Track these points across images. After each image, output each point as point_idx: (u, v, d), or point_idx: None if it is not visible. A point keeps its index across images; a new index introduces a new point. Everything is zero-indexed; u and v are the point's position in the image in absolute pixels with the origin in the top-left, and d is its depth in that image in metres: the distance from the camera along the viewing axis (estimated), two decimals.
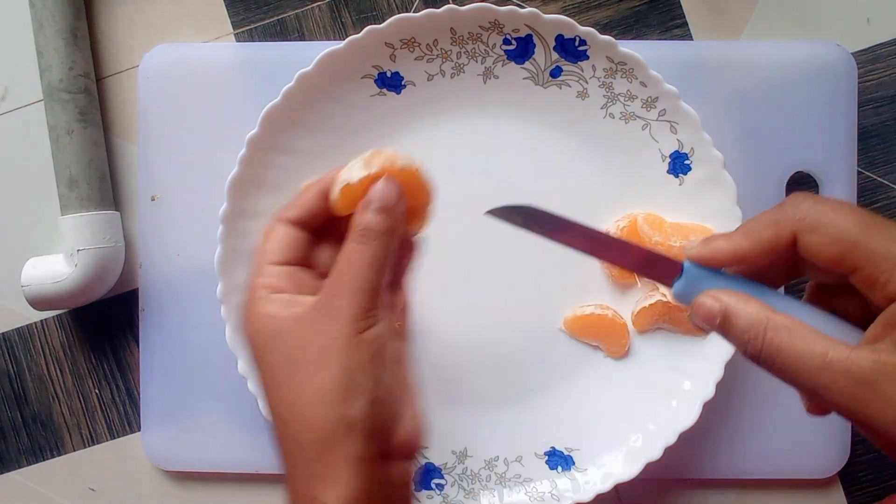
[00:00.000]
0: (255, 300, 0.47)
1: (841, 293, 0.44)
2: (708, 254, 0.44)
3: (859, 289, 0.41)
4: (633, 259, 0.47)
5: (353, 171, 0.47)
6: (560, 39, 0.61)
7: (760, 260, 0.43)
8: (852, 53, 0.66)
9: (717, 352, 0.62)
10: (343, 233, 0.47)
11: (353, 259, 0.45)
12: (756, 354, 0.41)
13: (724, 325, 0.42)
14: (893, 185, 0.67)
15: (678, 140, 0.62)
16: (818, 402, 0.41)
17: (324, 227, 0.50)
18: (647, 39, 0.68)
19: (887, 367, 0.37)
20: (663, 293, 0.62)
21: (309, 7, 0.69)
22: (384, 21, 0.61)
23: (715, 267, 0.45)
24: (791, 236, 0.42)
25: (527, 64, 0.63)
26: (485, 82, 0.64)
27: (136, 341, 0.69)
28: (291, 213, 0.49)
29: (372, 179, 0.46)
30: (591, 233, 0.47)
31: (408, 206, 0.48)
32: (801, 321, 0.40)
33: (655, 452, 0.62)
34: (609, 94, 0.63)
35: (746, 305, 0.41)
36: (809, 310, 0.43)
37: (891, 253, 0.39)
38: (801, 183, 0.66)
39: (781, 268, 0.45)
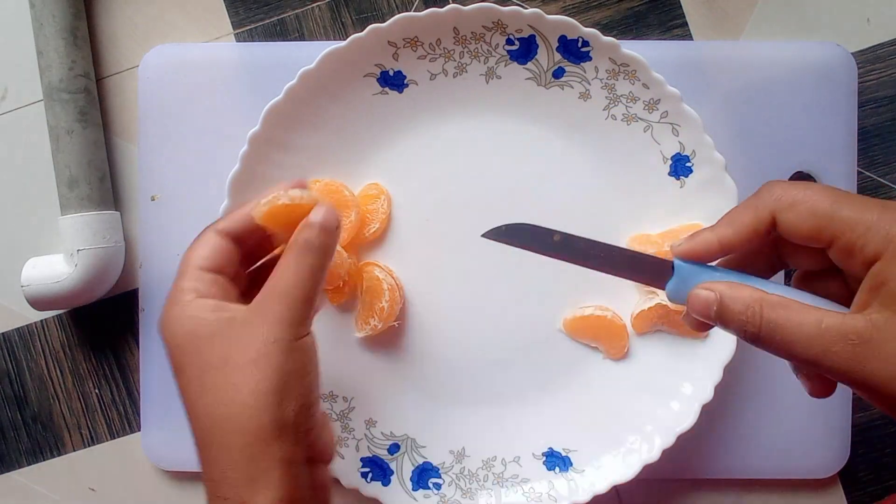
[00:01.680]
0: (180, 302, 0.47)
1: (824, 279, 0.46)
2: (695, 247, 0.46)
3: (839, 264, 0.43)
4: (621, 265, 0.48)
5: (286, 193, 0.49)
6: (563, 40, 0.61)
7: (745, 245, 0.45)
8: (852, 53, 0.66)
9: (715, 354, 0.62)
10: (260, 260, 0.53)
11: (292, 268, 0.47)
12: (755, 333, 0.42)
13: (720, 313, 0.43)
14: (893, 185, 0.68)
15: (679, 142, 0.62)
16: (817, 372, 0.43)
17: (249, 249, 0.52)
18: (647, 39, 0.68)
19: (880, 324, 0.39)
20: (662, 298, 0.63)
21: (309, 7, 0.69)
22: (384, 21, 0.61)
23: (704, 261, 0.46)
24: (770, 217, 0.44)
25: (529, 64, 0.63)
26: (487, 82, 0.64)
27: (136, 341, 0.69)
28: (223, 224, 0.50)
29: (300, 206, 0.49)
30: (580, 244, 0.49)
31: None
32: (793, 298, 0.42)
33: (653, 454, 0.62)
34: (611, 95, 0.62)
35: (740, 290, 0.43)
36: (797, 292, 0.44)
37: (863, 218, 0.41)
38: None
39: (765, 258, 0.48)
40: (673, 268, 0.46)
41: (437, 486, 0.65)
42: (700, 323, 0.46)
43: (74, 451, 0.71)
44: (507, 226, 0.50)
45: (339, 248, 0.62)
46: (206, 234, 0.50)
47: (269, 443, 0.44)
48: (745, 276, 0.45)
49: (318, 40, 0.69)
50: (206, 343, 0.46)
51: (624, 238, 0.65)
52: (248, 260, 0.53)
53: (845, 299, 0.44)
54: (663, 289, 0.47)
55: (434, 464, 0.65)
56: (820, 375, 0.45)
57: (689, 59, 0.66)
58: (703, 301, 0.44)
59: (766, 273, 0.48)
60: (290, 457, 0.44)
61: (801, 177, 0.66)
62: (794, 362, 0.44)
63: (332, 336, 0.66)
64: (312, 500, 0.47)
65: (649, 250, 0.62)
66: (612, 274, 0.48)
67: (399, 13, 0.61)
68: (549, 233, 0.49)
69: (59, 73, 0.65)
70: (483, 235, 0.51)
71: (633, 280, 0.49)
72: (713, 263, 0.47)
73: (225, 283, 0.49)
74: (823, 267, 0.45)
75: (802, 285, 0.47)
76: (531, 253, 0.65)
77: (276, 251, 0.53)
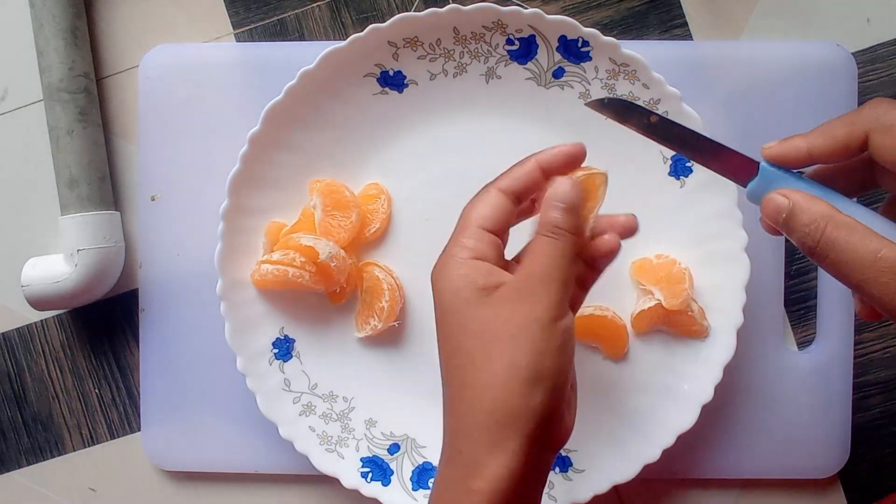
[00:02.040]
0: (456, 258, 0.48)
1: None
2: (784, 151, 0.46)
3: None
4: (710, 154, 0.49)
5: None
6: (563, 40, 0.61)
7: (834, 158, 0.45)
8: (852, 53, 0.66)
9: (715, 354, 0.62)
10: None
11: (546, 251, 0.47)
12: (812, 248, 0.43)
13: (788, 220, 0.44)
14: None
15: None
16: (865, 298, 0.43)
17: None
18: (647, 39, 0.68)
19: None
20: (661, 298, 0.63)
21: (309, 7, 0.69)
22: (384, 21, 0.61)
23: (791, 166, 0.46)
24: (864, 136, 0.43)
25: (529, 64, 0.63)
26: (487, 82, 0.64)
27: (136, 341, 0.69)
28: (508, 183, 0.50)
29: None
30: (674, 129, 0.50)
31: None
32: (865, 224, 0.42)
33: (653, 454, 0.62)
34: (611, 95, 0.62)
35: (813, 203, 0.43)
36: (879, 218, 0.44)
37: None
38: None
39: (858, 175, 0.47)
40: (759, 168, 0.47)
41: None
42: (771, 227, 0.47)
43: (74, 451, 0.71)
44: (609, 98, 0.51)
45: (339, 248, 0.62)
46: (490, 193, 0.50)
47: (516, 417, 0.44)
48: (828, 191, 0.45)
49: (318, 40, 0.69)
50: (471, 307, 0.46)
51: (624, 239, 0.65)
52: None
53: None
54: (745, 186, 0.47)
55: (434, 464, 0.65)
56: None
57: (689, 59, 0.66)
58: (776, 206, 0.45)
59: (855, 190, 0.48)
60: (532, 434, 0.44)
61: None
62: (843, 283, 0.44)
63: (332, 336, 0.66)
64: (537, 481, 0.47)
65: (648, 275, 0.63)
66: (699, 162, 0.49)
67: (399, 13, 0.61)
68: (647, 112, 0.50)
69: (59, 73, 0.65)
70: (586, 104, 0.51)
71: (717, 172, 0.49)
72: (804, 173, 0.48)
73: (500, 247, 0.50)
74: None
75: (891, 211, 0.47)
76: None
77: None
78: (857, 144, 0.44)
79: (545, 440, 0.46)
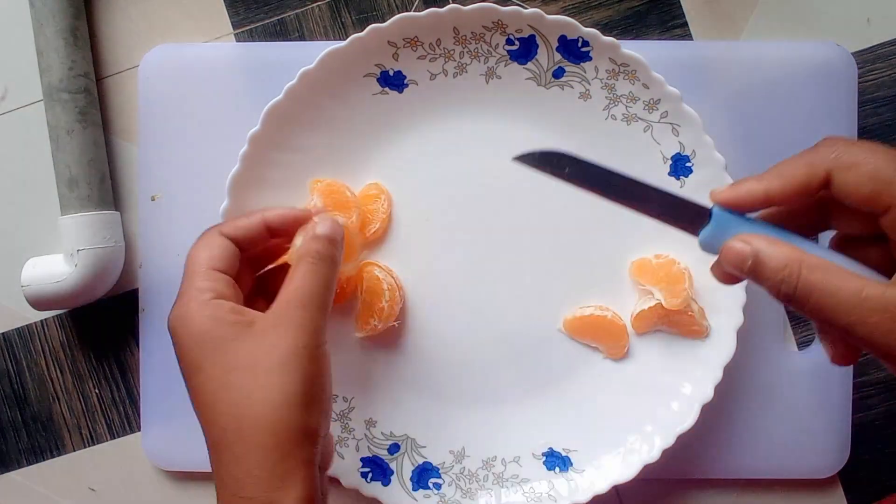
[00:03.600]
0: (198, 300, 0.48)
1: (864, 245, 0.45)
2: (738, 196, 0.44)
3: (892, 232, 0.41)
4: (658, 205, 0.46)
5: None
6: (563, 40, 0.61)
7: (792, 200, 0.43)
8: (852, 53, 0.66)
9: (715, 354, 0.62)
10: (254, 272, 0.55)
11: (308, 277, 0.49)
12: (790, 294, 0.41)
13: (755, 268, 0.42)
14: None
15: (680, 142, 0.62)
16: (848, 340, 0.42)
17: (251, 255, 0.54)
18: (647, 39, 0.68)
19: None
20: (662, 298, 0.62)
21: (309, 7, 0.69)
22: (384, 21, 0.61)
23: (745, 210, 0.44)
24: (825, 176, 0.42)
25: (529, 64, 0.63)
26: (487, 82, 0.64)
27: (136, 341, 0.69)
28: (231, 230, 0.52)
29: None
30: (617, 181, 0.47)
31: None
32: (833, 262, 0.41)
33: (653, 454, 0.62)
34: (611, 95, 0.62)
35: (778, 247, 0.41)
36: (836, 255, 0.43)
37: None
38: None
39: (808, 218, 0.46)
40: (710, 215, 0.44)
41: (438, 486, 0.65)
42: (727, 275, 0.45)
43: (74, 451, 0.71)
44: (541, 152, 0.48)
45: None
46: (212, 236, 0.51)
47: (297, 445, 0.45)
48: (784, 233, 0.43)
49: (318, 40, 0.69)
50: (230, 344, 0.46)
51: (622, 239, 0.65)
52: (251, 266, 0.55)
53: (884, 268, 0.43)
54: (696, 235, 0.45)
55: (434, 464, 0.65)
56: (845, 342, 0.44)
57: (689, 59, 0.66)
58: (739, 254, 0.42)
59: (805, 232, 0.45)
60: (311, 459, 0.46)
61: None
62: (827, 327, 0.43)
63: (332, 336, 0.66)
64: (322, 502, 0.48)
65: (648, 275, 0.63)
66: (646, 214, 0.46)
67: (399, 13, 0.61)
68: (585, 165, 0.47)
69: (59, 73, 0.65)
70: (515, 159, 0.48)
71: (666, 223, 0.46)
72: (753, 216, 0.45)
73: (235, 287, 0.50)
74: (867, 232, 0.44)
75: (839, 249, 0.46)
76: (531, 252, 0.65)
77: (282, 259, 0.53)
78: (817, 184, 0.42)
79: (319, 463, 0.48)
